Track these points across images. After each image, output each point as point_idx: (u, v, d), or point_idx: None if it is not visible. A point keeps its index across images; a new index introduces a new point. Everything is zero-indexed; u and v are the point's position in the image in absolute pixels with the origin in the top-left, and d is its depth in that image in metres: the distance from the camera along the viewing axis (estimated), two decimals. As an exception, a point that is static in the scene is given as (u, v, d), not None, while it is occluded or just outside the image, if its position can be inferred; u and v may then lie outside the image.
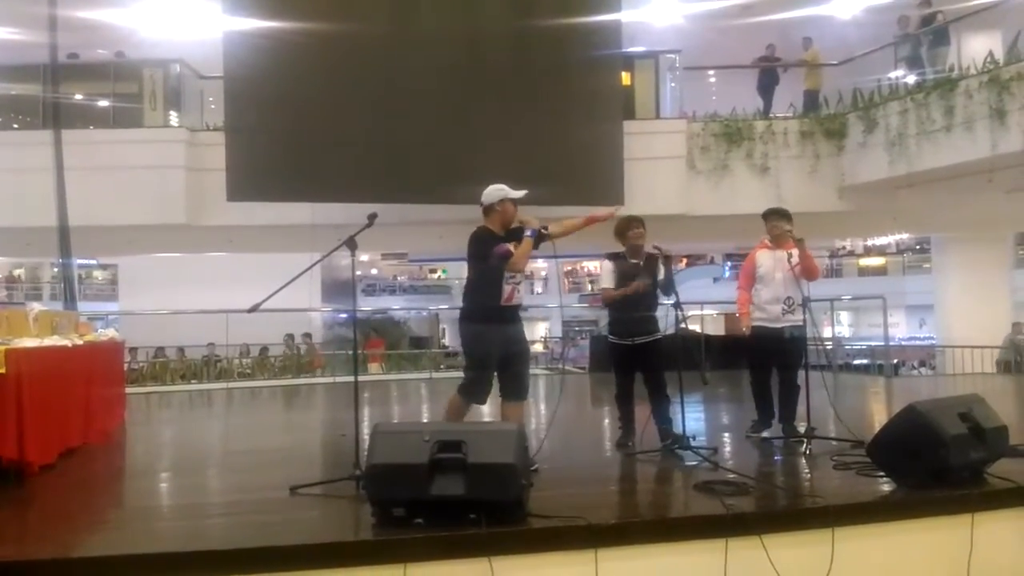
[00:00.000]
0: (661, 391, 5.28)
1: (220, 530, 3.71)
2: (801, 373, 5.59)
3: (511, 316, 4.65)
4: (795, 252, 5.58)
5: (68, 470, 5.06)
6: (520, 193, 4.69)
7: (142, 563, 3.16)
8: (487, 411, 5.13)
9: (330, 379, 12.54)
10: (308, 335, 16.45)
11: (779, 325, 5.61)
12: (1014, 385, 10.91)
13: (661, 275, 5.28)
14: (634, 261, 5.38)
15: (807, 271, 5.57)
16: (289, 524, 3.65)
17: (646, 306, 5.32)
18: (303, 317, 15.99)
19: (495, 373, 4.64)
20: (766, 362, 5.82)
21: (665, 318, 5.46)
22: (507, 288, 4.56)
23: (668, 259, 5.32)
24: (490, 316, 4.56)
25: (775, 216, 5.77)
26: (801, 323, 5.60)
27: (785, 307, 5.58)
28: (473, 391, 4.62)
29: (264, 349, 15.78)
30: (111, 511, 4.30)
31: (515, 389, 4.66)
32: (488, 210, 4.65)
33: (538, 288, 36.82)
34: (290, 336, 15.93)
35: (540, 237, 4.61)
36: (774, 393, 5.83)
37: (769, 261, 5.70)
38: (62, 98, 11.41)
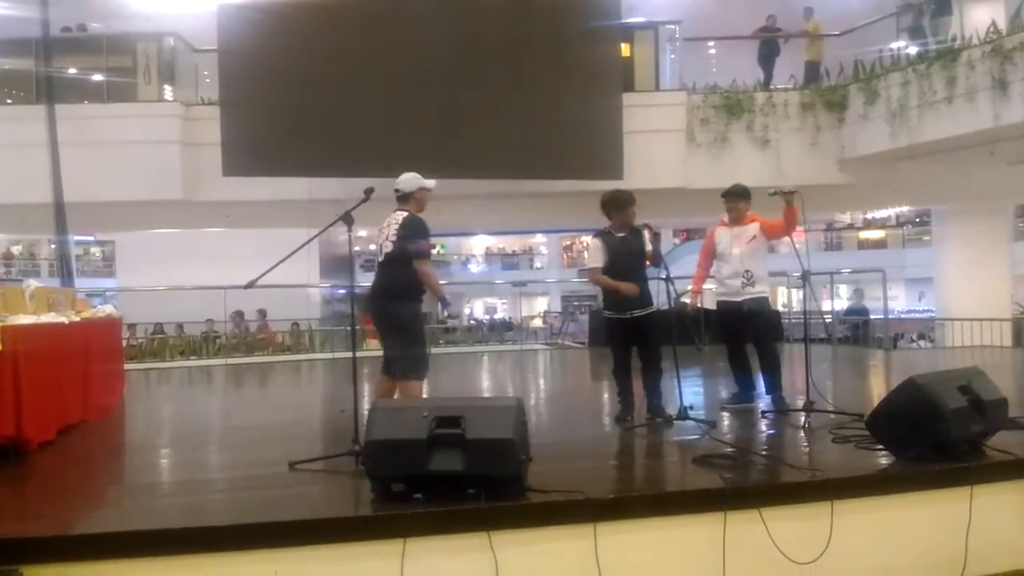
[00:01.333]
0: (656, 364, 5.30)
1: (220, 506, 3.72)
2: (801, 347, 5.63)
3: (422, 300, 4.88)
4: (755, 225, 5.76)
5: (67, 447, 5.06)
6: (432, 183, 4.98)
7: (141, 539, 3.16)
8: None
9: (329, 355, 12.54)
10: (263, 311, 16.02)
11: (739, 298, 5.77)
12: (1012, 358, 10.93)
13: (648, 247, 5.35)
14: (620, 235, 5.37)
15: (788, 224, 5.63)
16: (288, 499, 3.66)
17: (639, 279, 5.31)
18: (301, 293, 15.94)
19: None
20: (735, 335, 5.97)
21: (657, 294, 5.46)
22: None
23: (656, 236, 5.47)
24: (420, 295, 4.80)
25: (733, 196, 5.93)
26: (762, 295, 5.78)
27: (744, 280, 5.75)
28: (421, 367, 4.77)
29: (263, 325, 15.76)
30: (110, 488, 4.30)
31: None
32: (407, 197, 4.87)
33: (537, 263, 36.85)
34: (238, 313, 15.61)
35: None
36: (753, 366, 5.95)
37: (726, 238, 5.89)
38: (55, 72, 11.30)
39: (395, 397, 4.73)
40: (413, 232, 4.72)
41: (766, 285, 5.81)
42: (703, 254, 6.11)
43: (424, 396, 4.90)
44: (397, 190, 4.91)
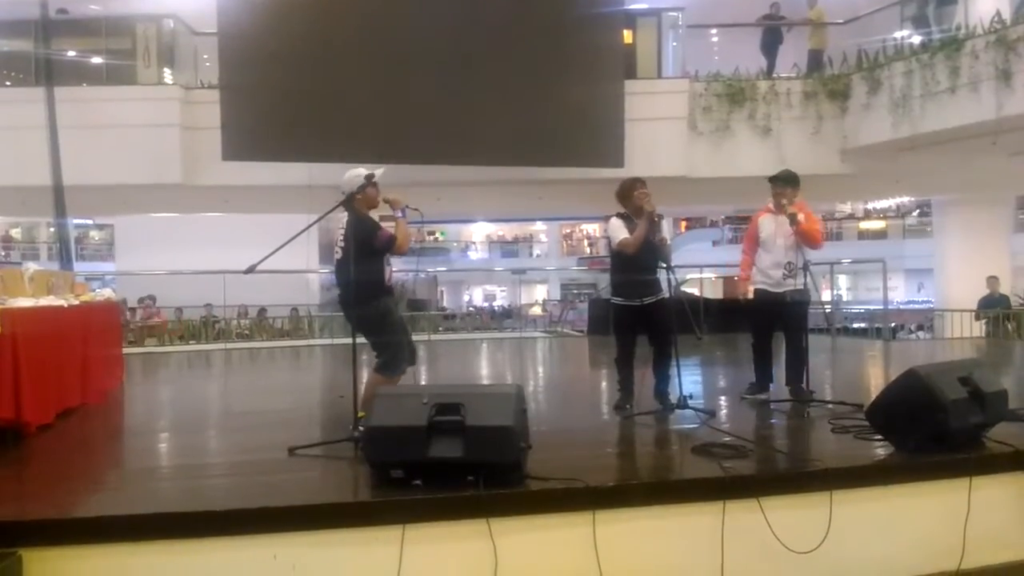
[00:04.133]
0: (668, 351, 5.26)
1: (219, 490, 3.72)
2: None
3: (392, 293, 4.85)
4: (799, 216, 5.56)
5: (66, 430, 5.07)
6: (378, 171, 4.72)
7: (141, 523, 3.17)
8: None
9: (328, 341, 12.55)
10: (152, 297, 15.67)
11: (780, 290, 5.64)
12: (1010, 349, 10.92)
13: (664, 237, 5.33)
14: (639, 221, 5.32)
15: (805, 240, 5.57)
16: (288, 485, 3.65)
17: (652, 267, 5.27)
18: (301, 279, 15.93)
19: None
20: (767, 326, 5.85)
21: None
22: (388, 269, 4.74)
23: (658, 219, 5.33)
24: (386, 292, 4.73)
25: (780, 182, 5.75)
26: (803, 287, 5.62)
27: (786, 272, 5.60)
28: (396, 362, 4.68)
29: (262, 310, 15.77)
30: (110, 471, 4.30)
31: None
32: (350, 197, 4.64)
33: (537, 251, 36.82)
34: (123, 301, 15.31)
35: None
36: (775, 358, 5.85)
37: (771, 226, 5.71)
38: (54, 54, 11.22)
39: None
40: (365, 234, 4.54)
41: (817, 277, 5.67)
42: (748, 240, 5.95)
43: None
44: (343, 192, 4.68)
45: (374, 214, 4.78)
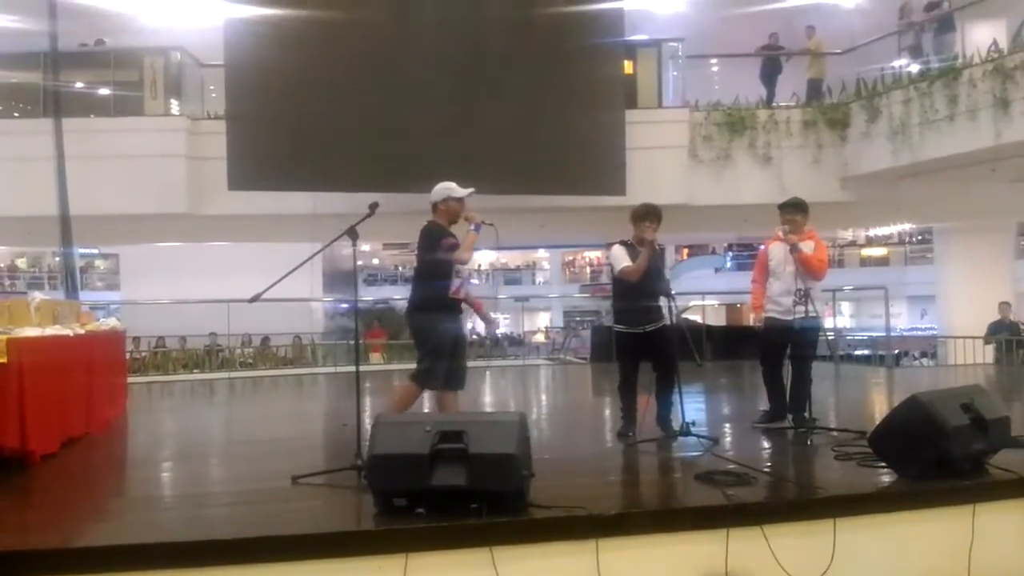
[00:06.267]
0: (671, 377, 5.28)
1: (222, 519, 3.71)
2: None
3: (458, 308, 4.93)
4: (809, 243, 5.62)
5: (70, 459, 5.06)
6: (465, 191, 4.96)
7: (144, 553, 3.16)
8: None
9: (331, 369, 12.55)
10: None
11: (790, 317, 5.63)
12: (1014, 375, 10.89)
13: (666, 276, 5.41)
14: (641, 250, 5.36)
15: (806, 269, 5.57)
16: (291, 514, 3.65)
17: (654, 294, 5.30)
18: (304, 307, 15.95)
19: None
20: (778, 354, 5.83)
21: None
22: (456, 281, 4.84)
23: (657, 252, 5.40)
24: (442, 306, 4.81)
25: (791, 209, 5.76)
26: (813, 314, 5.60)
27: (796, 299, 5.59)
28: (430, 378, 4.80)
29: (266, 339, 15.78)
30: (113, 500, 4.29)
31: (460, 379, 4.94)
32: (434, 208, 4.95)
33: (539, 278, 36.87)
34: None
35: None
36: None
37: (780, 254, 5.71)
38: (62, 86, 11.38)
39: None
40: (420, 246, 4.87)
41: (819, 304, 5.61)
42: (759, 269, 5.93)
43: (411, 405, 4.94)
44: (430, 202, 5.02)
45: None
